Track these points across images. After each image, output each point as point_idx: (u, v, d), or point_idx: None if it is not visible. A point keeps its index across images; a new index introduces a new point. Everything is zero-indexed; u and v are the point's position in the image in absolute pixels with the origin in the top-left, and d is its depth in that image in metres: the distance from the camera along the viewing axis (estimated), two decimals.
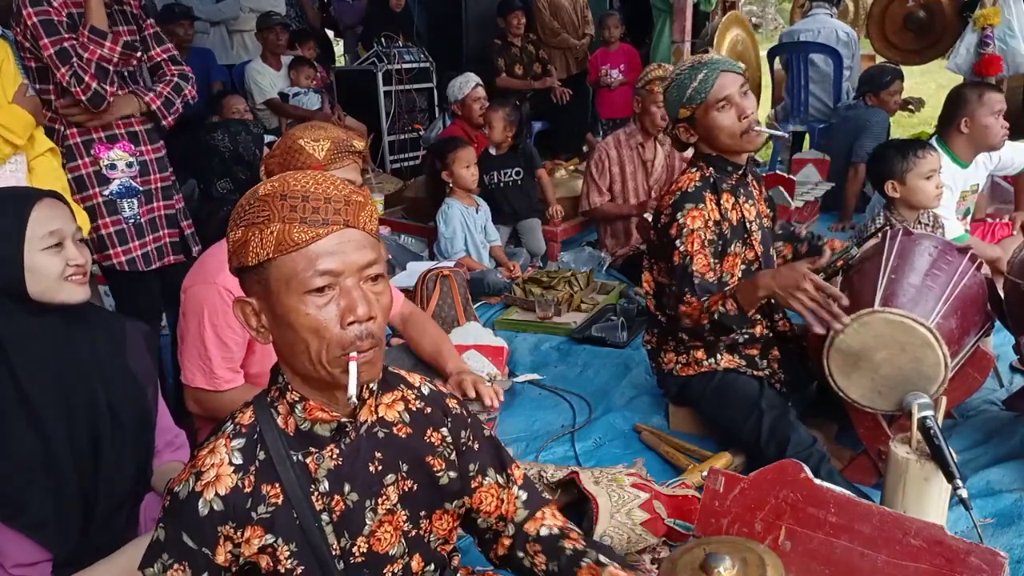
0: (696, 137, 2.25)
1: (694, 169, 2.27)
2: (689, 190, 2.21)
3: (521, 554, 1.30)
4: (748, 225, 2.28)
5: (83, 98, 2.48)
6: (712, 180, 2.23)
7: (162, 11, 5.22)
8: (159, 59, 2.76)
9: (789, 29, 6.34)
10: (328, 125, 1.94)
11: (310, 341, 1.04)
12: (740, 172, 2.28)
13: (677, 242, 2.17)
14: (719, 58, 2.21)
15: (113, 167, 2.65)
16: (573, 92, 6.49)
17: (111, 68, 2.51)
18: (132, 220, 2.70)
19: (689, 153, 4.41)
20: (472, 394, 2.02)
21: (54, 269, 1.50)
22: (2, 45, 2.41)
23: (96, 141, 2.62)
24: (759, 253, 2.31)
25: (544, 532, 1.30)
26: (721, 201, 2.22)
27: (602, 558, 1.24)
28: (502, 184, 4.34)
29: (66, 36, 2.43)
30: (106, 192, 2.64)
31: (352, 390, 1.03)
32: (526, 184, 4.39)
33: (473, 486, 1.27)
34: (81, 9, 2.47)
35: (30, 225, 1.48)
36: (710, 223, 2.19)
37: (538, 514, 1.32)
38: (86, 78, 2.44)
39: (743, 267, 2.28)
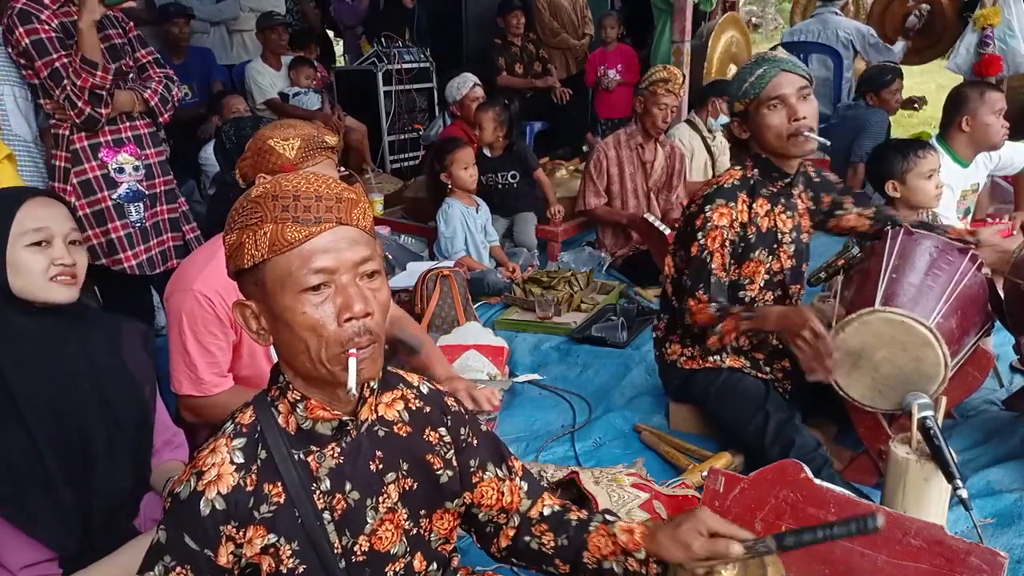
0: (748, 134, 2.21)
1: (739, 167, 2.25)
2: (726, 186, 2.19)
3: (528, 538, 1.31)
4: (779, 236, 2.25)
5: (78, 121, 2.52)
6: (752, 182, 2.21)
7: (159, 10, 5.22)
8: (144, 61, 2.78)
9: (792, 28, 6.33)
10: (298, 123, 1.90)
11: (308, 340, 1.04)
12: (786, 181, 2.24)
13: (699, 234, 2.17)
14: (784, 57, 2.16)
15: (121, 171, 2.67)
16: (573, 92, 6.49)
17: (104, 93, 2.52)
18: (138, 224, 2.72)
19: (695, 158, 4.40)
20: (470, 405, 1.99)
21: (36, 267, 1.49)
22: None
23: (103, 145, 2.63)
24: (786, 267, 2.28)
25: (547, 512, 1.32)
26: (754, 205, 2.20)
27: (608, 517, 1.26)
28: (499, 186, 4.34)
29: (56, 56, 2.44)
30: (114, 196, 2.66)
31: (352, 383, 1.03)
32: (522, 187, 4.38)
33: (474, 481, 1.28)
34: (73, 18, 2.47)
35: (16, 221, 1.48)
36: (735, 224, 2.17)
37: (538, 500, 1.34)
38: (79, 103, 2.48)
39: (766, 276, 2.27)
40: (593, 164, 4.15)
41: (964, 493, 1.55)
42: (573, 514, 1.30)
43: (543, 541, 1.29)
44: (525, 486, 1.33)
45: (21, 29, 2.40)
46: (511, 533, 1.32)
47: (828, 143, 2.40)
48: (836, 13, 5.80)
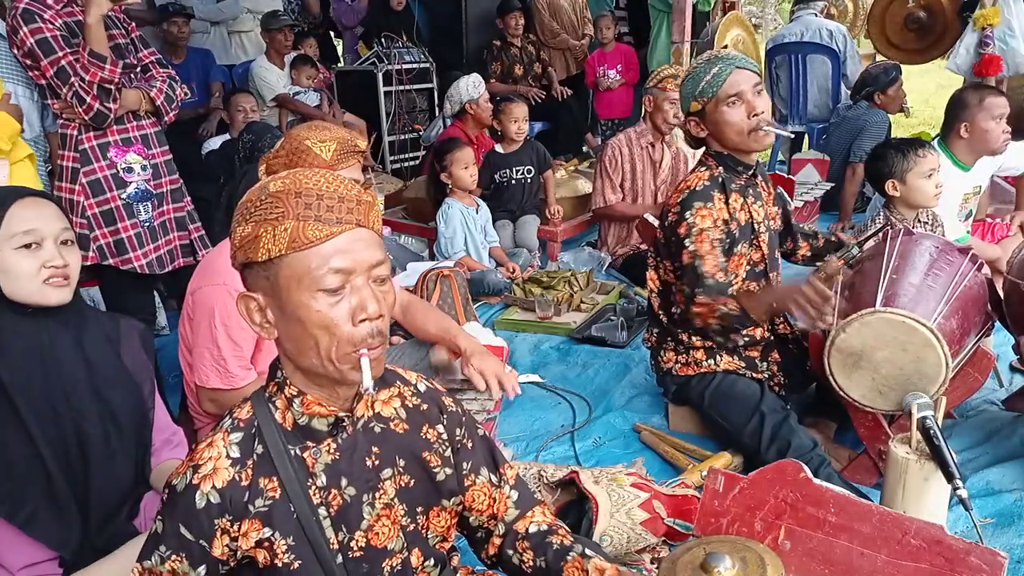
0: (706, 132, 2.23)
1: (703, 168, 2.26)
2: (697, 188, 2.19)
3: (511, 552, 1.30)
4: (756, 226, 2.26)
5: (86, 117, 2.51)
6: (721, 179, 2.22)
7: (159, 9, 5.23)
8: (147, 61, 2.79)
9: (778, 35, 6.35)
10: (331, 125, 1.94)
11: (320, 338, 1.04)
12: (750, 172, 2.27)
13: (687, 241, 2.16)
14: (736, 54, 2.19)
15: (130, 170, 2.69)
16: (573, 93, 6.49)
17: (113, 88, 2.52)
18: (147, 223, 2.74)
19: (693, 156, 4.41)
20: (495, 387, 1.99)
21: (27, 269, 1.47)
22: None
23: (112, 144, 2.65)
24: (765, 254, 2.29)
25: (533, 529, 1.31)
26: (730, 201, 2.21)
27: (588, 551, 1.25)
28: (512, 182, 4.34)
29: (62, 54, 2.44)
30: (123, 195, 2.68)
31: (368, 382, 1.05)
32: (534, 183, 4.41)
33: (466, 484, 1.28)
34: (75, 18, 2.48)
35: (4, 223, 1.46)
36: (719, 222, 2.18)
37: (528, 513, 1.33)
38: (88, 99, 2.48)
39: (748, 268, 2.28)
40: (608, 160, 4.15)
41: (964, 493, 1.55)
42: (556, 538, 1.29)
43: (524, 559, 1.29)
44: (515, 495, 1.32)
45: (25, 29, 2.40)
46: (498, 542, 1.32)
47: (791, 135, 2.45)
48: (815, 14, 5.81)
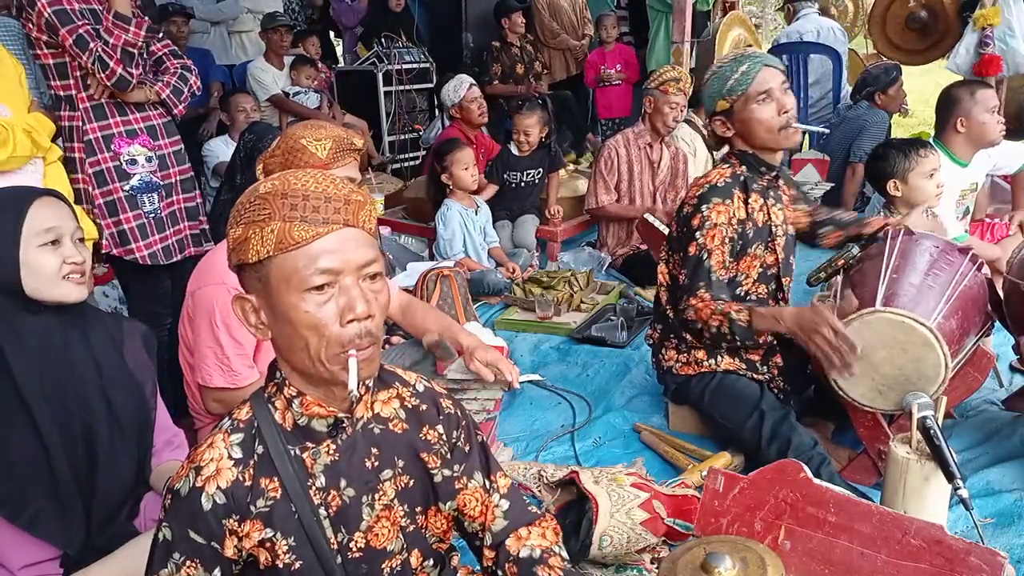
0: (732, 131, 2.21)
1: (726, 165, 2.25)
2: (719, 184, 2.18)
3: (500, 573, 1.26)
4: (773, 229, 2.25)
5: (108, 83, 2.49)
6: (743, 178, 2.21)
7: (159, 9, 5.24)
8: (160, 53, 2.78)
9: (788, 29, 6.33)
10: (326, 123, 1.94)
11: (309, 338, 1.05)
12: (773, 173, 2.25)
13: (697, 233, 2.15)
14: (762, 53, 2.19)
15: (133, 162, 2.68)
16: (573, 92, 6.49)
17: (136, 52, 2.52)
18: (153, 214, 2.72)
19: (697, 156, 4.38)
20: (507, 371, 2.01)
21: (50, 266, 1.49)
22: (16, 62, 2.46)
23: (116, 136, 2.64)
24: (780, 259, 2.28)
25: (524, 554, 1.25)
26: (749, 200, 2.20)
27: None
28: (521, 184, 4.35)
29: (80, 23, 2.43)
30: (127, 187, 2.67)
31: (353, 384, 1.05)
32: (540, 184, 4.42)
33: (457, 487, 1.25)
34: (90, 5, 2.48)
35: (27, 221, 1.48)
36: (734, 221, 2.17)
37: (522, 531, 1.28)
38: (111, 63, 2.46)
39: (760, 270, 2.27)
40: (603, 161, 4.15)
41: (964, 493, 1.55)
42: (544, 570, 1.23)
43: None
44: (505, 505, 1.28)
45: (43, 1, 2.38)
46: (490, 555, 1.28)
47: (827, 131, 2.41)
48: (817, 13, 5.81)
